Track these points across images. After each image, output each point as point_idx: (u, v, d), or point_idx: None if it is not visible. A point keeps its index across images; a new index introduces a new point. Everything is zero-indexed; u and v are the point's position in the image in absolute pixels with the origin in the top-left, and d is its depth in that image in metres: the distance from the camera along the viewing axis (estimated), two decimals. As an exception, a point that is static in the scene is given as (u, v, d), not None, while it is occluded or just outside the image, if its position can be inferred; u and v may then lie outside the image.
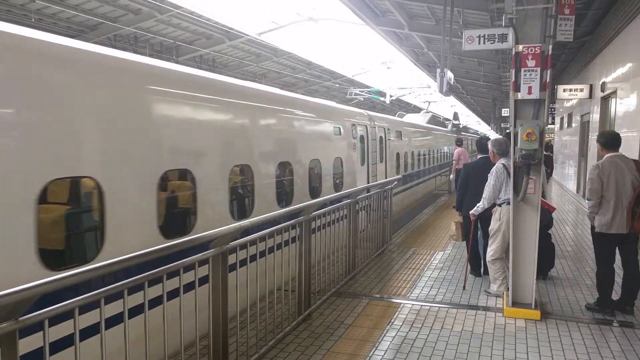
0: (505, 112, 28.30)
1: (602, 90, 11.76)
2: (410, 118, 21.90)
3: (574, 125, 17.34)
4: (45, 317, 2.38)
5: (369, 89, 30.36)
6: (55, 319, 2.52)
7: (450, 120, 29.56)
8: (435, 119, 24.78)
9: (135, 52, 17.43)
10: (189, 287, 3.54)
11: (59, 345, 3.16)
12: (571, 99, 15.84)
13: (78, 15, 15.34)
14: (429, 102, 31.24)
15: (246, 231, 4.10)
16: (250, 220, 4.17)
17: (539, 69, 5.08)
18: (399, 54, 19.34)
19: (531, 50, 5.10)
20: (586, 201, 5.54)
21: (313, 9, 17.83)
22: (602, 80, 11.87)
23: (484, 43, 5.47)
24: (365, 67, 27.38)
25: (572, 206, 13.81)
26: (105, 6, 15.27)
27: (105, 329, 2.77)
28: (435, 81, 11.28)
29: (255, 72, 24.90)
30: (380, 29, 14.91)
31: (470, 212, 6.37)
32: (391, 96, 30.91)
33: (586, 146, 13.98)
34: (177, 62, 18.76)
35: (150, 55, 17.64)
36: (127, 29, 16.75)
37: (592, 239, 5.64)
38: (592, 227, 5.46)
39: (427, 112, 25.95)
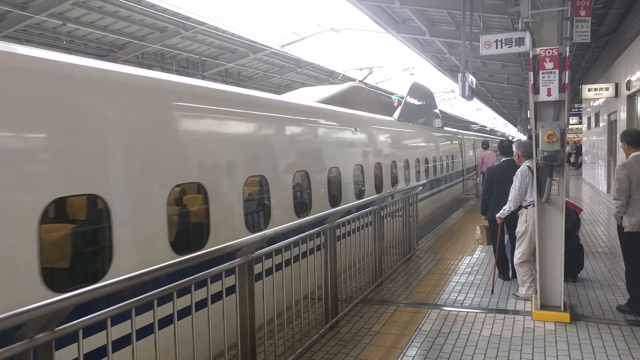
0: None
1: (628, 88, 11.57)
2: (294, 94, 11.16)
3: (601, 124, 17.05)
4: (79, 327, 2.47)
5: (393, 95, 30.28)
6: (88, 332, 2.60)
7: (393, 97, 14.05)
8: (362, 94, 11.92)
9: (162, 68, 17.92)
10: (217, 297, 3.64)
11: (92, 358, 3.23)
12: (597, 99, 15.61)
13: (107, 35, 15.87)
14: (371, 70, 14.92)
15: (271, 240, 4.21)
16: (274, 229, 4.28)
17: (557, 70, 5.09)
18: (421, 60, 19.36)
19: (549, 53, 5.11)
20: (613, 201, 5.49)
21: (334, 19, 18.00)
22: (628, 78, 11.68)
23: (502, 47, 5.52)
24: (388, 74, 27.37)
25: (603, 207, 13.56)
26: (133, 26, 15.79)
27: (136, 340, 2.85)
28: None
29: (280, 83, 25.21)
30: (402, 36, 15.00)
31: (497, 215, 6.37)
32: (415, 102, 30.81)
33: (614, 146, 13.73)
34: (203, 77, 19.16)
35: (177, 72, 18.09)
36: (154, 47, 17.23)
37: (619, 239, 5.58)
38: (619, 227, 5.41)
39: (357, 82, 13.31)
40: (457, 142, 19.60)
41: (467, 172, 21.55)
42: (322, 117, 8.27)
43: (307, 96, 10.14)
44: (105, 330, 2.66)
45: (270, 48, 18.74)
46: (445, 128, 18.72)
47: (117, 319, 2.82)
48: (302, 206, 6.95)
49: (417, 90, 14.21)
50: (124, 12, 14.64)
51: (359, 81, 13.94)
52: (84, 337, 2.55)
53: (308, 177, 7.13)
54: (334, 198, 7.94)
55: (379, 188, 9.81)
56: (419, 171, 13.08)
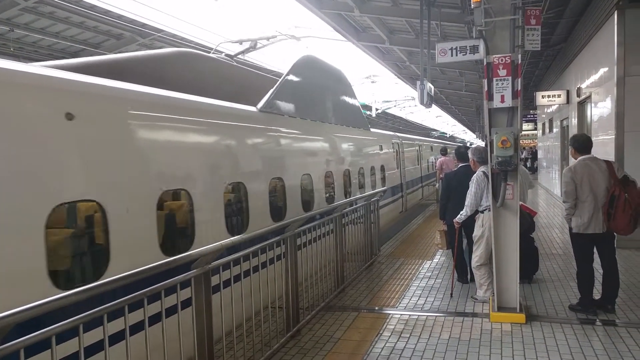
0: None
1: (578, 95, 12.03)
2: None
3: (554, 130, 17.64)
4: (21, 347, 2.30)
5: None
6: (33, 350, 2.46)
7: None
8: (205, 68, 7.36)
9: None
10: (172, 311, 3.56)
11: None
12: (550, 105, 16.16)
13: (59, 42, 15.44)
14: (254, 42, 11.05)
15: (231, 249, 4.14)
16: (232, 238, 4.22)
17: (510, 77, 5.24)
18: (382, 68, 19.64)
19: (502, 60, 5.26)
20: (563, 204, 5.68)
21: (295, 27, 18.08)
22: (578, 85, 12.15)
23: (457, 55, 5.65)
24: (350, 81, 27.64)
25: (558, 209, 13.99)
26: (87, 32, 15.39)
27: (85, 358, 2.71)
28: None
29: (240, 91, 25.07)
30: (362, 44, 15.19)
31: (454, 219, 6.49)
32: (377, 109, 31.29)
33: (567, 150, 14.22)
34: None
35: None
36: (110, 54, 16.88)
37: (570, 240, 5.78)
38: (570, 229, 5.59)
39: (224, 57, 9.83)
40: (390, 149, 14.88)
41: (409, 186, 17.53)
42: None
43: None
44: (50, 349, 2.52)
45: (230, 55, 18.63)
46: (374, 130, 14.33)
47: (65, 336, 2.69)
48: None
49: (310, 70, 8.96)
50: (77, 18, 14.25)
51: (228, 56, 9.96)
52: (28, 357, 2.42)
53: None
54: None
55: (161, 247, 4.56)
56: (307, 194, 8.07)
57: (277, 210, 6.99)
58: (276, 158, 7.22)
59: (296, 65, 8.41)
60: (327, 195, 8.92)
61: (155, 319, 3.35)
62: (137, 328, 3.22)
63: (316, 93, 9.47)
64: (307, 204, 7.94)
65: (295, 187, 7.61)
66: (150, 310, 3.25)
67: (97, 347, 3.08)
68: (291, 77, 8.22)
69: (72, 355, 3.04)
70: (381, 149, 13.81)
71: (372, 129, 13.85)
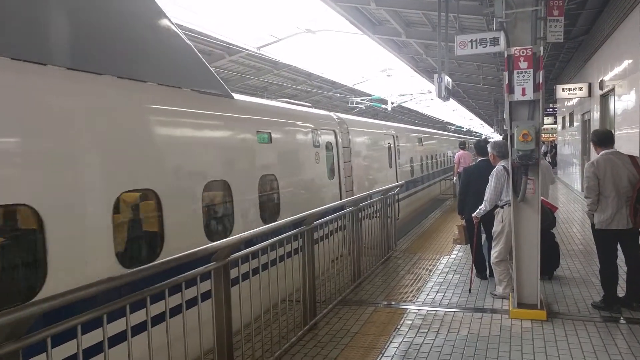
0: (506, 114, 27.58)
1: (601, 88, 11.78)
2: None
3: (575, 124, 17.35)
4: (47, 336, 2.37)
5: (370, 97, 30.49)
6: (58, 340, 2.50)
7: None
8: None
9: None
10: (192, 303, 3.58)
11: None
12: (571, 98, 15.88)
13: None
14: None
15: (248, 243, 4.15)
16: (250, 231, 4.23)
17: (531, 70, 5.13)
18: (398, 61, 19.48)
19: (523, 52, 5.15)
20: (585, 199, 5.57)
21: (311, 20, 18.01)
22: (600, 78, 11.89)
23: (476, 47, 5.55)
24: (365, 75, 27.51)
25: (578, 205, 13.78)
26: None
27: (109, 348, 2.76)
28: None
29: (257, 85, 25.07)
30: (378, 37, 15.06)
31: (473, 214, 6.40)
32: (392, 103, 31.09)
33: (588, 145, 13.98)
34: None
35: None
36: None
37: (593, 236, 5.66)
38: (593, 225, 5.48)
39: None
40: (307, 137, 8.32)
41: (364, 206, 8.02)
42: None
43: None
44: (75, 339, 2.57)
45: (247, 50, 18.60)
46: (256, 99, 8.49)
47: (89, 326, 2.73)
48: None
49: None
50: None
51: None
52: (54, 347, 2.45)
53: None
54: None
55: None
56: None
57: None
58: None
59: None
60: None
61: (174, 311, 3.37)
62: (157, 320, 3.24)
63: None
64: None
65: None
66: (167, 302, 3.26)
67: (117, 338, 3.11)
68: None
69: (93, 346, 3.06)
70: (269, 140, 6.93)
71: (255, 99, 8.48)
